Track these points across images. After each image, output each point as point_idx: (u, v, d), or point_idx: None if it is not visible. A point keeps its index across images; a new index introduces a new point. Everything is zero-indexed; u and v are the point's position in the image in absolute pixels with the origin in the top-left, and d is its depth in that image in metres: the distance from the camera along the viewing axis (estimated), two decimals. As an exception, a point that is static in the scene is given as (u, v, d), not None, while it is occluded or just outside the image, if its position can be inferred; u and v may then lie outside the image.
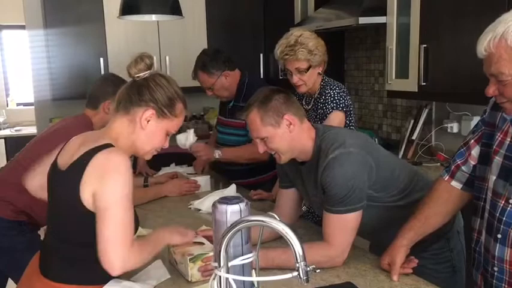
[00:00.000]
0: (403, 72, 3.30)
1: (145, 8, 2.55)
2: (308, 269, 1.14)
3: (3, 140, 5.73)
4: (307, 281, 1.13)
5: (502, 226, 1.39)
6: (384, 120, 4.06)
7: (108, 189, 1.38)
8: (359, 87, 4.30)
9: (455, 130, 3.30)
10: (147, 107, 1.49)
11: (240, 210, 1.28)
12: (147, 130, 1.49)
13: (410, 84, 3.19)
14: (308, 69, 2.33)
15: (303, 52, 2.29)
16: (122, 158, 1.42)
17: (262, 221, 1.17)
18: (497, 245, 1.41)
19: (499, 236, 1.40)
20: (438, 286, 1.83)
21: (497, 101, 1.41)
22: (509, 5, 2.57)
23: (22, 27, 4.63)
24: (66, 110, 3.97)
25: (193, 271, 1.59)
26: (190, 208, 2.47)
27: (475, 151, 1.57)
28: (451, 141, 3.36)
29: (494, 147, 1.47)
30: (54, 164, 1.52)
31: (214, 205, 1.31)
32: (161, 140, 1.54)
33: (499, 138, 1.47)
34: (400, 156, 3.49)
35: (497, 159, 1.45)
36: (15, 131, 5.89)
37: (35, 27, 4.42)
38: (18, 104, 6.48)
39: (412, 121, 3.51)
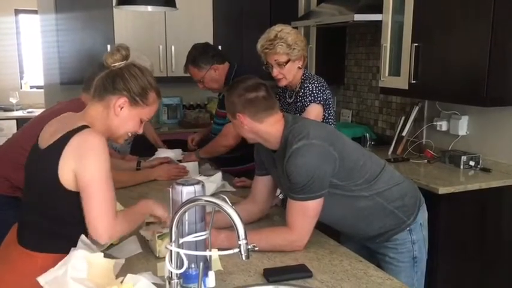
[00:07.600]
0: (395, 69, 3.38)
1: (140, -1, 2.67)
2: (249, 246, 1.25)
3: (15, 121, 5.92)
4: (247, 257, 1.24)
5: None
6: (379, 116, 4.12)
7: (88, 168, 1.50)
8: (357, 83, 4.36)
9: (444, 128, 3.36)
10: (120, 95, 1.60)
11: (195, 192, 1.40)
12: (120, 116, 1.61)
13: (402, 82, 3.26)
14: (287, 62, 2.43)
15: (282, 46, 2.39)
16: (99, 138, 1.53)
17: (210, 201, 1.28)
18: None
19: None
20: (399, 275, 1.93)
21: None
22: (494, 10, 2.62)
23: (36, 11, 4.77)
24: (74, 94, 4.06)
25: (161, 247, 1.71)
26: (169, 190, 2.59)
27: None
28: (440, 139, 3.43)
29: None
30: (35, 142, 1.64)
31: (172, 186, 1.43)
32: (134, 126, 1.66)
33: None
34: (390, 151, 3.57)
35: None
36: (27, 112, 6.07)
37: (46, 11, 4.55)
38: (31, 87, 6.66)
39: (403, 118, 3.58)
